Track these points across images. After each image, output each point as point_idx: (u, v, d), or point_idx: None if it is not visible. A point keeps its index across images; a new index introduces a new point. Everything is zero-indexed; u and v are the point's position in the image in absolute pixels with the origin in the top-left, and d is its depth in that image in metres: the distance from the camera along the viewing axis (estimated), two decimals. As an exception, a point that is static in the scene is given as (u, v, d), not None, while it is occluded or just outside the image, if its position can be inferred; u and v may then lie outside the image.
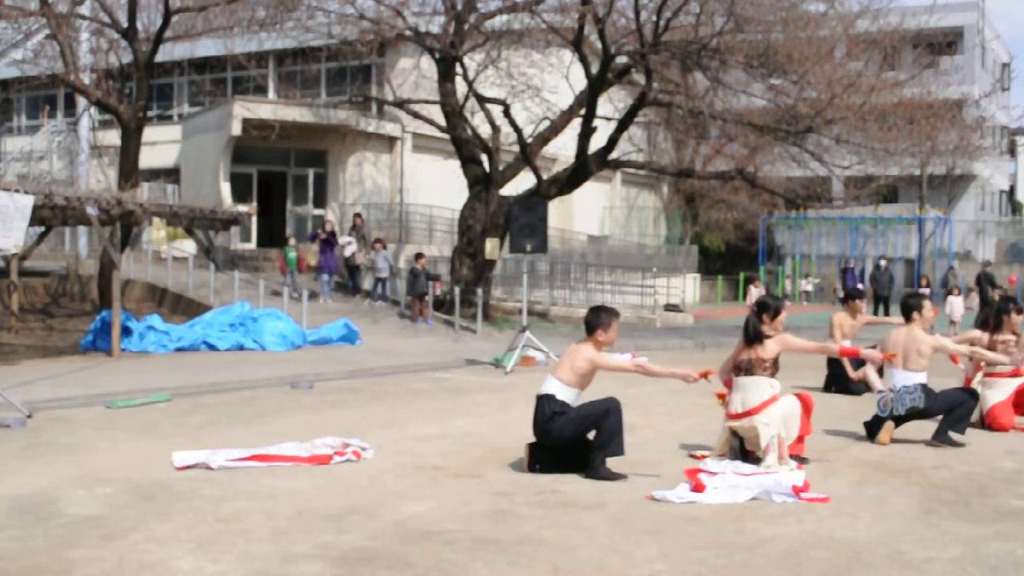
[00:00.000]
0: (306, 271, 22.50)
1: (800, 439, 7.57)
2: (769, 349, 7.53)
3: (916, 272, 34.11)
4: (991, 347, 9.46)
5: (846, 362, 11.83)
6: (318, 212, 29.16)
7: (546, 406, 7.09)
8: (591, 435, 7.11)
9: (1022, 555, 5.25)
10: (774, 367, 7.53)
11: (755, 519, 5.89)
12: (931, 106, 20.62)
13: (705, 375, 7.13)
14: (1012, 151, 51.87)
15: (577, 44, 19.22)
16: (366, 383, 12.55)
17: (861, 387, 11.41)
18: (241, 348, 15.78)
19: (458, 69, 21.21)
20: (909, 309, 8.75)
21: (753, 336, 7.56)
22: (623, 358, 7.10)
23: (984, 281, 26.41)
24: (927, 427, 9.01)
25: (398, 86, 23.80)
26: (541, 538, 5.45)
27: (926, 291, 25.58)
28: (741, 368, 7.54)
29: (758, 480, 6.52)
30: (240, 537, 5.42)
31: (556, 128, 21.37)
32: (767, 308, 7.63)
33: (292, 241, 22.27)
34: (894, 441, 8.53)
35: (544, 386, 7.21)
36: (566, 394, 7.12)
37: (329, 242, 21.92)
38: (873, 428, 8.67)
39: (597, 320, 7.18)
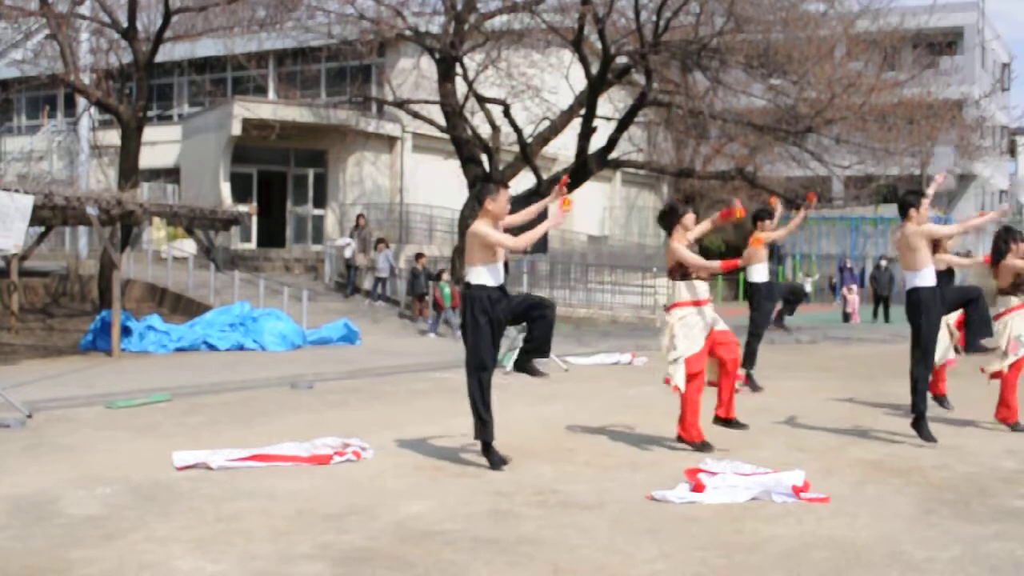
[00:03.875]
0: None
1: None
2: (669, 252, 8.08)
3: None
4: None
5: None
6: (318, 212, 29.17)
7: None
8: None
9: (1022, 555, 5.25)
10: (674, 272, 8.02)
11: (755, 519, 5.89)
12: (931, 106, 20.60)
13: (565, 202, 7.44)
14: (1012, 151, 51.84)
15: (577, 44, 19.22)
16: (366, 383, 12.54)
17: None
18: (241, 348, 15.78)
19: (458, 69, 21.20)
20: (906, 206, 8.34)
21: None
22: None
23: None
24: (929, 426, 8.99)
25: (398, 86, 23.79)
26: (541, 538, 5.45)
27: None
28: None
29: (758, 480, 6.52)
30: (240, 537, 5.42)
31: (556, 128, 21.36)
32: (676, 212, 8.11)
33: (446, 276, 19.65)
34: (894, 441, 8.53)
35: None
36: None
37: None
38: None
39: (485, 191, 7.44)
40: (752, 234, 10.23)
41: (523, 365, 7.50)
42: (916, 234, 8.16)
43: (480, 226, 7.18)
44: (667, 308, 8.11)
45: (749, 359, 11.62)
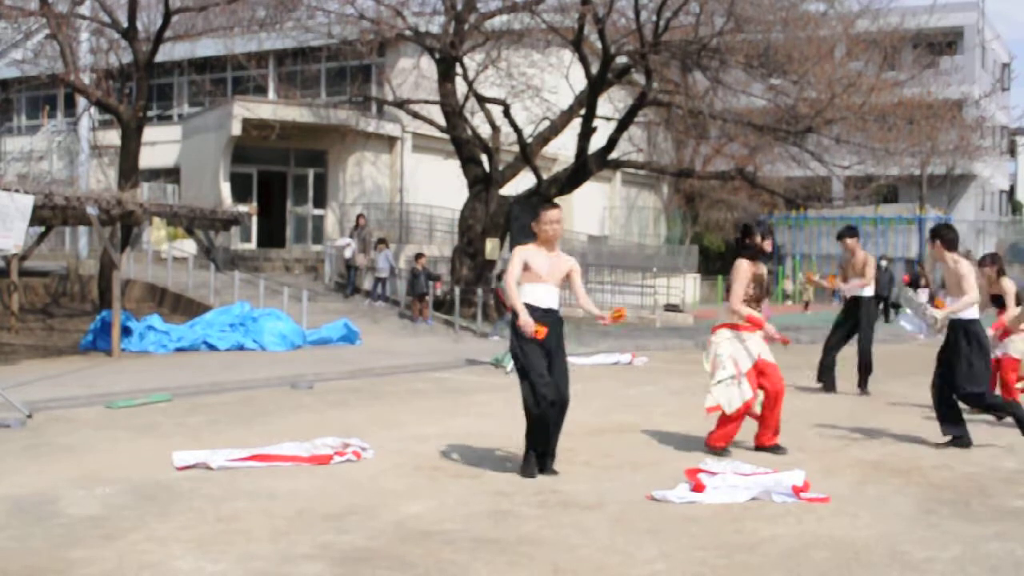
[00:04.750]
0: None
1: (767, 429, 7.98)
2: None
3: (915, 272, 34.02)
4: None
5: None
6: (318, 212, 29.18)
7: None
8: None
9: (1022, 555, 5.25)
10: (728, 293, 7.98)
11: (755, 519, 5.89)
12: (931, 106, 20.61)
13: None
14: (1012, 151, 51.88)
15: (577, 44, 19.23)
16: (366, 383, 12.54)
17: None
18: (241, 348, 15.79)
19: (458, 69, 21.21)
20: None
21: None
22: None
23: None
24: (929, 426, 9.01)
25: (398, 86, 23.81)
26: (541, 538, 5.45)
27: (924, 291, 25.53)
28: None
29: (758, 480, 6.52)
30: (240, 537, 5.42)
31: (556, 128, 21.37)
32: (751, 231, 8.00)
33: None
34: (894, 441, 8.53)
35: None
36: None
37: None
38: None
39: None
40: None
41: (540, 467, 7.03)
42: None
43: (518, 252, 6.98)
44: (713, 329, 7.99)
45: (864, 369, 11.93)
